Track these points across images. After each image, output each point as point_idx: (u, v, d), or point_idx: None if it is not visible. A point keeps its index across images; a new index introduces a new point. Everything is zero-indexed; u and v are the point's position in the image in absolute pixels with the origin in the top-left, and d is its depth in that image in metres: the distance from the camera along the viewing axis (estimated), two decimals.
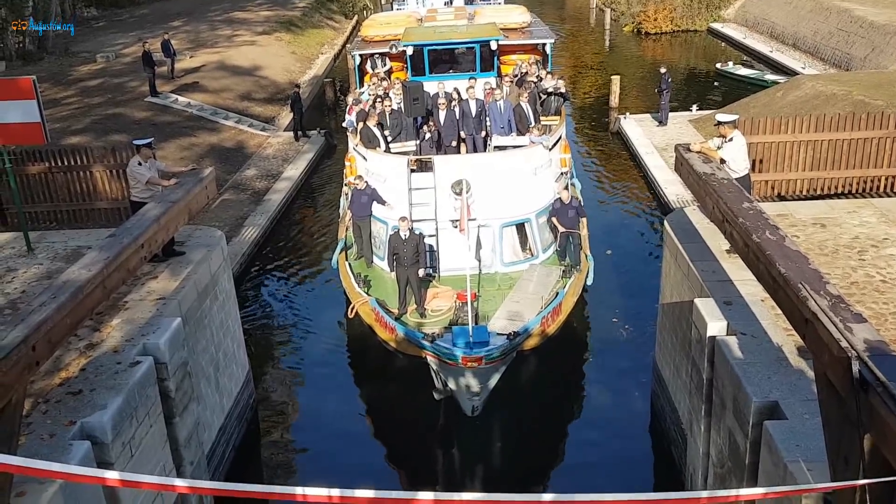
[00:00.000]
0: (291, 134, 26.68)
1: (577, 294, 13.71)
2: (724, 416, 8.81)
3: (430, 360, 11.72)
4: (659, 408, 12.42)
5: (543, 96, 17.27)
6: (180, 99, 27.70)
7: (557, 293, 13.13)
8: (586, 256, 14.39)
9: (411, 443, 12.63)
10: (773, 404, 7.84)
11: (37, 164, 14.08)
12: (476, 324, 11.43)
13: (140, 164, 11.56)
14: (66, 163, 14.08)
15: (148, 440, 8.87)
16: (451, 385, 11.60)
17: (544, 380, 13.33)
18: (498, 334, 11.46)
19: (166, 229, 10.29)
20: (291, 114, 27.03)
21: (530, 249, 14.45)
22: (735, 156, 10.77)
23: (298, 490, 4.37)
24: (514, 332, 11.36)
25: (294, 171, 23.64)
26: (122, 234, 9.31)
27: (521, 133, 15.89)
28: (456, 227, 13.56)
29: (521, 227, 14.44)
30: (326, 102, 32.30)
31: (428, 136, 15.93)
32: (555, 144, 15.46)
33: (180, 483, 5.42)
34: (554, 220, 14.26)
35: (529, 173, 14.50)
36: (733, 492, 5.18)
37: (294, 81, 32.09)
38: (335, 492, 4.30)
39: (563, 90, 17.48)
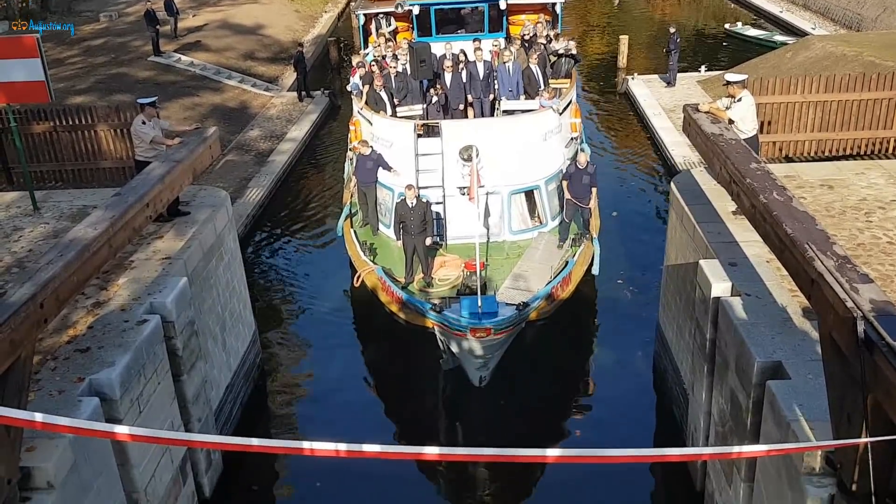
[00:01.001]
0: (295, 94, 26.50)
1: (587, 262, 13.38)
2: (726, 375, 8.86)
3: (438, 330, 11.58)
4: (661, 368, 12.50)
5: (553, 58, 16.99)
6: (183, 58, 27.48)
7: (567, 262, 12.93)
8: (592, 240, 13.69)
9: (416, 404, 12.75)
10: (776, 364, 7.87)
11: (41, 124, 14.01)
12: (484, 293, 11.16)
13: (144, 123, 11.52)
14: (70, 122, 14.02)
15: (156, 397, 8.96)
16: (459, 355, 11.49)
17: (548, 340, 13.37)
18: (507, 304, 11.24)
19: (171, 189, 10.28)
20: (295, 73, 26.82)
21: (539, 217, 14.07)
22: (744, 115, 10.68)
23: (306, 445, 4.43)
24: (524, 302, 11.17)
25: (298, 131, 23.53)
26: (128, 194, 9.31)
27: (529, 96, 15.59)
28: (464, 194, 13.28)
29: (529, 195, 14.04)
30: (330, 62, 31.98)
31: (435, 99, 15.54)
32: (565, 108, 15.01)
33: (193, 438, 5.49)
34: (564, 184, 13.48)
35: (539, 139, 14.03)
36: (735, 449, 5.24)
37: (297, 40, 31.81)
38: (342, 446, 4.35)
39: (574, 52, 17.11)
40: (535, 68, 15.79)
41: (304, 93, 26.17)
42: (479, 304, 10.70)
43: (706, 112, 10.75)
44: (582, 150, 14.23)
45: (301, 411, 12.72)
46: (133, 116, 12.52)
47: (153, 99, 11.96)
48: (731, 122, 10.60)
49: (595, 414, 12.31)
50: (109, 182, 14.00)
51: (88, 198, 12.74)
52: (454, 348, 11.49)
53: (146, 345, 8.78)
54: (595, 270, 13.58)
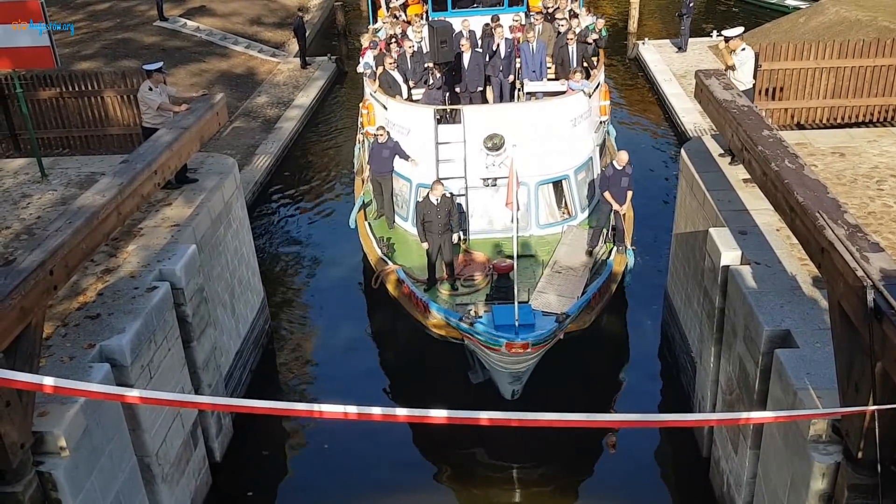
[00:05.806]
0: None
1: (625, 262, 12.14)
2: (734, 343, 8.87)
3: (466, 341, 10.66)
4: (669, 335, 12.52)
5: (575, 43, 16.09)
6: (189, 23, 27.27)
7: (606, 261, 11.83)
8: (626, 250, 12.23)
9: (424, 371, 12.77)
10: (784, 333, 7.87)
11: (48, 90, 13.99)
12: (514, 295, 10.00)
13: (151, 89, 11.47)
14: (77, 88, 13.99)
15: (167, 363, 9.03)
16: (490, 368, 10.68)
17: None
18: (544, 314, 10.29)
19: (179, 155, 10.26)
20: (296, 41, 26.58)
21: (567, 209, 12.97)
22: (743, 63, 11.15)
23: (316, 407, 4.47)
24: (564, 313, 10.17)
25: (305, 98, 23.40)
26: (135, 161, 9.30)
27: (560, 77, 14.21)
28: (488, 185, 12.35)
29: (557, 185, 12.90)
30: (337, 27, 31.70)
31: (438, 75, 14.04)
32: (594, 90, 13.69)
33: (205, 400, 5.53)
34: (607, 195, 11.86)
35: (568, 125, 12.82)
36: (743, 415, 5.26)
37: (303, 4, 31.47)
38: (352, 409, 4.39)
39: (597, 35, 15.73)
40: (568, 45, 14.46)
41: (306, 59, 25.94)
42: (516, 314, 9.66)
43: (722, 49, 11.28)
44: (607, 132, 13.08)
45: (310, 377, 12.81)
46: (140, 82, 12.47)
47: (159, 65, 11.89)
48: (730, 68, 11.17)
49: (602, 380, 12.34)
50: (117, 149, 14.00)
51: (96, 165, 12.74)
52: (485, 361, 10.62)
53: (156, 311, 8.82)
54: (627, 278, 12.42)
